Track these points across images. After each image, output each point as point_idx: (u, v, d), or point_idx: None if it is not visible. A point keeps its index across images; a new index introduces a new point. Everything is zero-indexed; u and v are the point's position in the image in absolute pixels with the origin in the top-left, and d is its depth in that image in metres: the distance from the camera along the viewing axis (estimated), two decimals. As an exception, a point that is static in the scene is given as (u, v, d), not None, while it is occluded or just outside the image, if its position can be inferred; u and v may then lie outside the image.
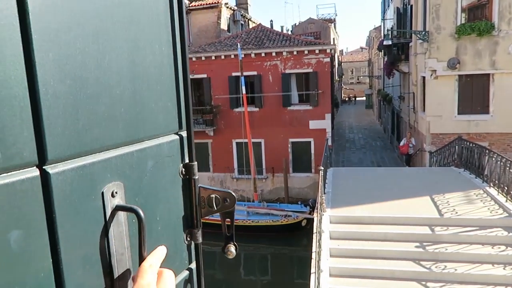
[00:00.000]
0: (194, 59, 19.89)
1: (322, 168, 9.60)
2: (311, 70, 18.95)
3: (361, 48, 72.27)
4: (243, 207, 17.28)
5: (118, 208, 0.78)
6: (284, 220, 16.08)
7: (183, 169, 1.01)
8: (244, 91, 17.35)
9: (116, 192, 0.77)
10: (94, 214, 0.73)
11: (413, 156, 17.44)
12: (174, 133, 1.01)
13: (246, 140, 17.68)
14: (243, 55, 17.97)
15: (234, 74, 19.19)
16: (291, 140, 19.26)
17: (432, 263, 7.04)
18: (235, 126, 19.08)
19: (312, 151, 19.08)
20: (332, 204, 9.17)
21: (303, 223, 15.76)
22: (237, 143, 19.56)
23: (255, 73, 19.47)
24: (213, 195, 1.03)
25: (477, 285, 6.42)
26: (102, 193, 0.75)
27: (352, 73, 71.30)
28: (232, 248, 1.08)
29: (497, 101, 15.18)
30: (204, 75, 20.10)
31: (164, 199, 0.95)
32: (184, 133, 1.04)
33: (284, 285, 13.53)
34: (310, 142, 19.10)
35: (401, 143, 17.81)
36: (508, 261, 6.81)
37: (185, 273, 1.05)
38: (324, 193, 9.51)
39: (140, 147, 0.87)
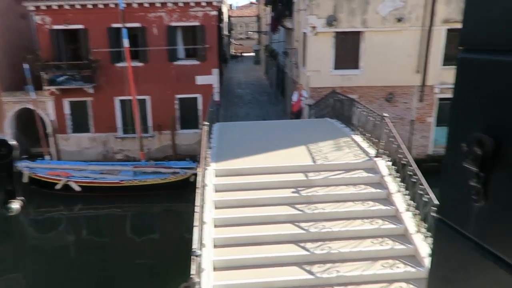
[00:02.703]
0: (67, 6, 17.83)
1: (207, 123, 9.63)
2: (198, 24, 18.45)
3: (251, 3, 72.19)
4: (129, 167, 16.70)
5: None
6: (172, 177, 16.02)
7: None
8: (126, 44, 16.23)
9: None
10: None
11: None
12: None
13: (130, 97, 16.81)
14: (124, 5, 16.61)
15: (114, 25, 17.73)
16: (178, 96, 18.85)
17: (305, 205, 7.71)
18: (117, 83, 17.89)
19: (200, 107, 18.99)
20: (217, 158, 9.31)
21: (192, 179, 15.88)
22: (120, 100, 18.49)
23: (138, 25, 18.29)
24: None
25: (341, 221, 7.26)
26: None
27: (242, 28, 71.34)
28: (13, 204, 0.99)
29: (366, 57, 16.69)
30: (81, 26, 18.24)
31: None
32: None
33: (174, 240, 13.70)
34: (197, 98, 18.94)
35: (293, 98, 15.73)
36: (366, 198, 7.80)
37: None
38: (210, 148, 9.62)
39: None
